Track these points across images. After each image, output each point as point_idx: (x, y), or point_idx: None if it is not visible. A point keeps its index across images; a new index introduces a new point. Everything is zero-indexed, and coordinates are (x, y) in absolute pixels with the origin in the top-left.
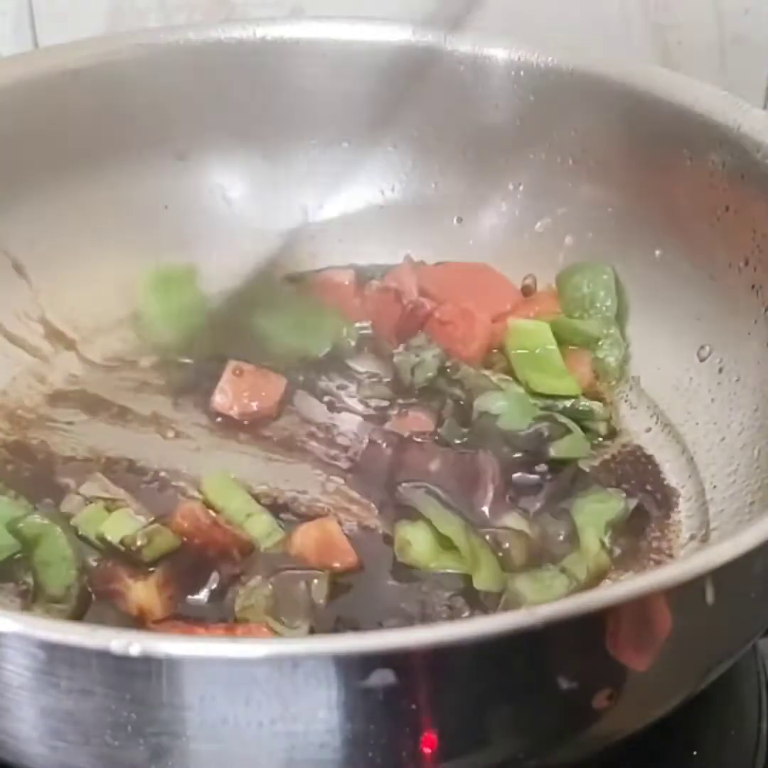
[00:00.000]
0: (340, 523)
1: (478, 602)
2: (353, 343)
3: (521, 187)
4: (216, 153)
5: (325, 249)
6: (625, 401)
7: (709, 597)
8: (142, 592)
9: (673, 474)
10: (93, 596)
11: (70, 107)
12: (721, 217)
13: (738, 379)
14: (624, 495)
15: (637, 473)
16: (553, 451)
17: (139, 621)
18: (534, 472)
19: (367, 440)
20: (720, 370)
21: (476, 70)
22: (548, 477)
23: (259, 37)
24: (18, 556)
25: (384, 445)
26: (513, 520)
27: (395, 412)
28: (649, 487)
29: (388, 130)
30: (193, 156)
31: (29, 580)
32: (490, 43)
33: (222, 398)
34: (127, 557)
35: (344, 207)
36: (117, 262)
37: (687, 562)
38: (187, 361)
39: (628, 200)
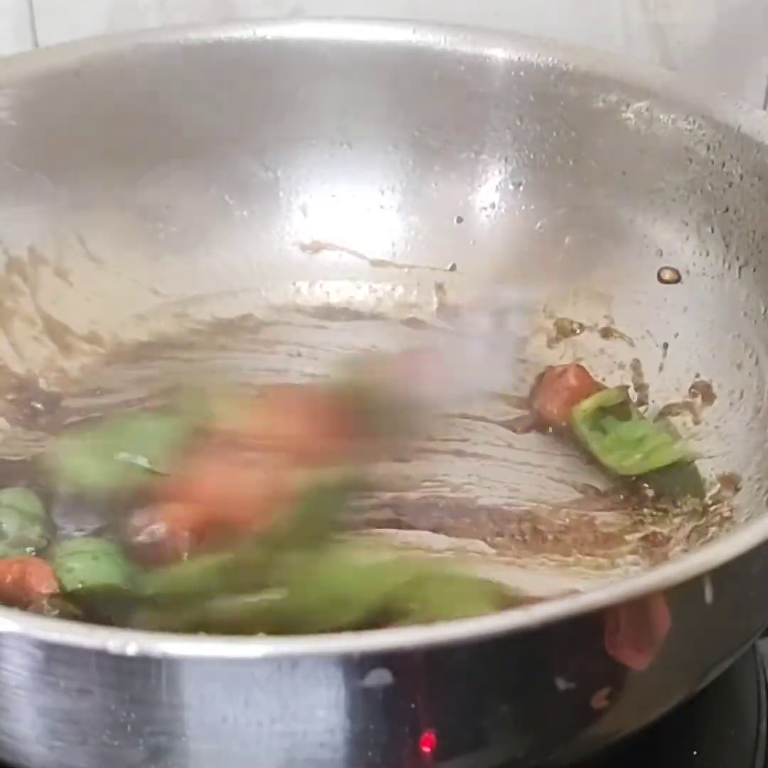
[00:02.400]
0: None
1: None
2: None
3: (521, 187)
4: (216, 153)
5: (325, 249)
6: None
7: (708, 596)
8: None
9: None
10: None
11: (70, 107)
12: (721, 217)
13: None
14: None
15: None
16: None
17: None
18: None
19: None
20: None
21: (476, 70)
22: None
23: (259, 37)
24: None
25: None
26: None
27: None
28: None
29: (388, 130)
30: (193, 156)
31: None
32: (490, 43)
33: None
34: None
35: (344, 207)
36: (117, 263)
37: (686, 562)
38: None
39: (627, 201)
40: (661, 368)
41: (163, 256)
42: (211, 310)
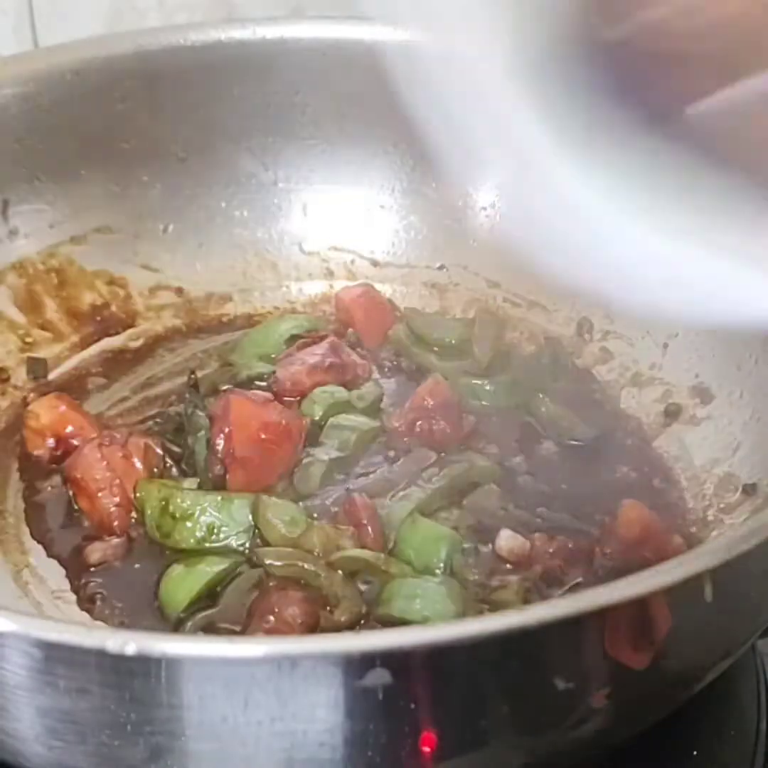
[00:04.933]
0: None
1: None
2: None
3: None
4: (216, 153)
5: (325, 249)
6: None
7: (708, 596)
8: None
9: None
10: None
11: (70, 107)
12: None
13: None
14: None
15: None
16: None
17: None
18: None
19: None
20: None
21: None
22: None
23: (259, 37)
24: None
25: None
26: None
27: None
28: None
29: (389, 130)
30: (193, 156)
31: None
32: None
33: None
34: None
35: (344, 207)
36: (117, 260)
37: (686, 562)
38: None
39: None
40: (660, 368)
41: (162, 255)
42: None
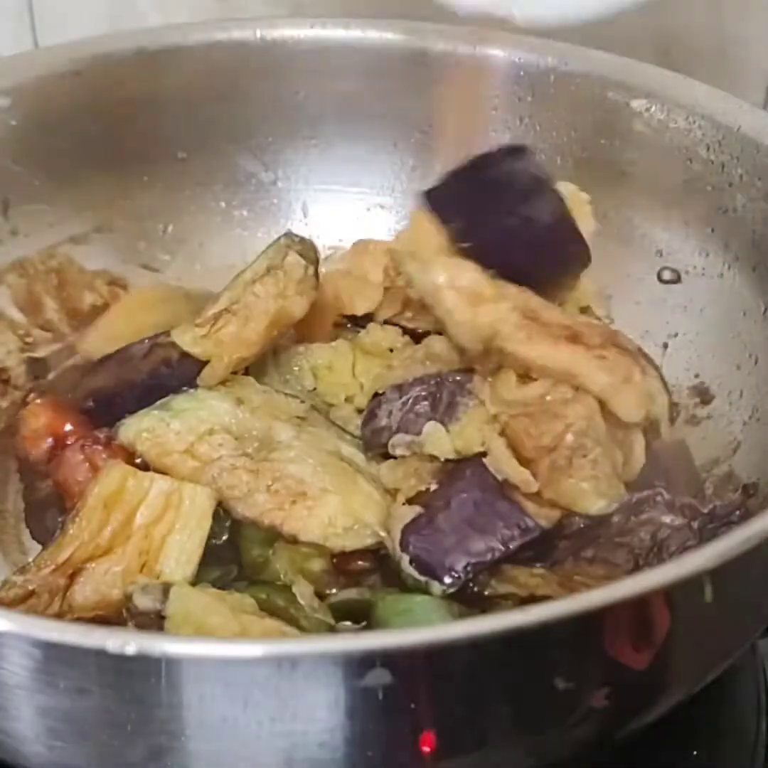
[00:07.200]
0: None
1: None
2: None
3: None
4: (216, 153)
5: (324, 249)
6: None
7: (708, 596)
8: None
9: None
10: None
11: (70, 107)
12: (722, 217)
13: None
14: None
15: None
16: None
17: None
18: None
19: None
20: None
21: (476, 70)
22: None
23: (259, 37)
24: None
25: None
26: None
27: None
28: None
29: (388, 130)
30: (193, 156)
31: None
32: (490, 43)
33: None
34: None
35: (344, 207)
36: (117, 260)
37: (686, 562)
38: None
39: (627, 201)
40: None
41: (161, 255)
42: None
